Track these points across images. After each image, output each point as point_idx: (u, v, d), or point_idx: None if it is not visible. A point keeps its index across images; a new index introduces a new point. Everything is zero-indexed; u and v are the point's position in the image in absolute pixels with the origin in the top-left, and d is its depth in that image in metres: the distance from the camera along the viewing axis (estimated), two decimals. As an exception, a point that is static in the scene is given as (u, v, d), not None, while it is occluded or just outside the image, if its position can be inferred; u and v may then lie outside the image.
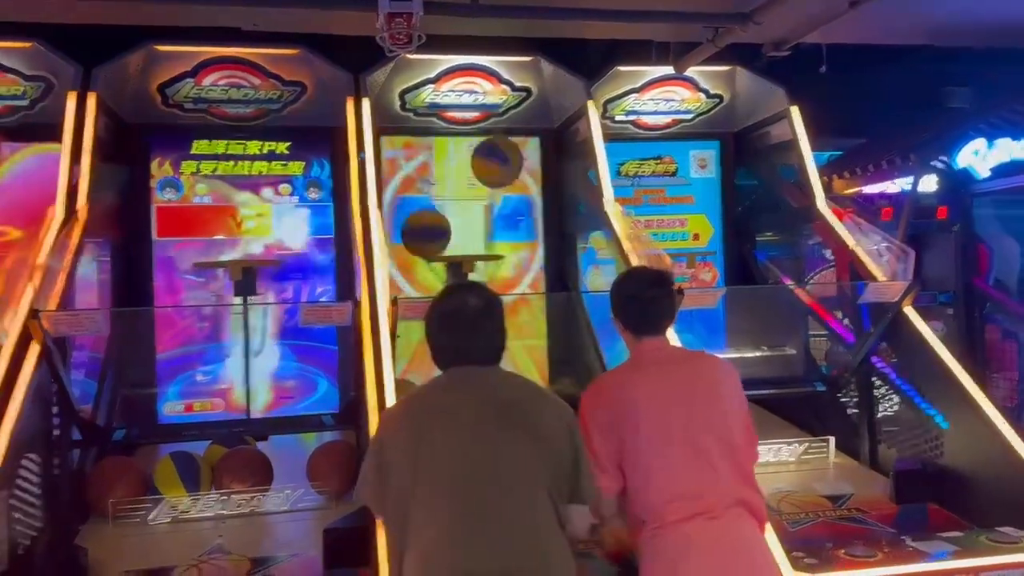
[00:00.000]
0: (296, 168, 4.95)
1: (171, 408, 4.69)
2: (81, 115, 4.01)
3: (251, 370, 4.18)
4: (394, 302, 3.38)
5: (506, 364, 2.34)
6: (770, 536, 2.83)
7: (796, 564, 2.87)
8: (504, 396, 2.24)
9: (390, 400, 3.20)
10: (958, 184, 5.38)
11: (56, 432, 3.38)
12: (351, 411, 3.90)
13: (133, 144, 4.71)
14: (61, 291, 3.37)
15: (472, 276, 4.58)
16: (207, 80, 4.53)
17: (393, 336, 3.41)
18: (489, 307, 2.26)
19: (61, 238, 3.52)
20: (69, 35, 4.26)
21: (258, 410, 4.42)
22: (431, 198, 5.16)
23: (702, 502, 2.36)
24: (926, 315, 4.36)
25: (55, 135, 4.20)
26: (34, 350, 3.14)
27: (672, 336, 3.10)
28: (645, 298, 2.64)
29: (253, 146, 4.89)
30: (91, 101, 4.06)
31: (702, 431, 2.46)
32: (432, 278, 4.98)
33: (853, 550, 3.02)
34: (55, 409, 3.38)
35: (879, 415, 4.28)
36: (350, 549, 2.96)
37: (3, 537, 2.76)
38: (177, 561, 3.09)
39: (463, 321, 2.22)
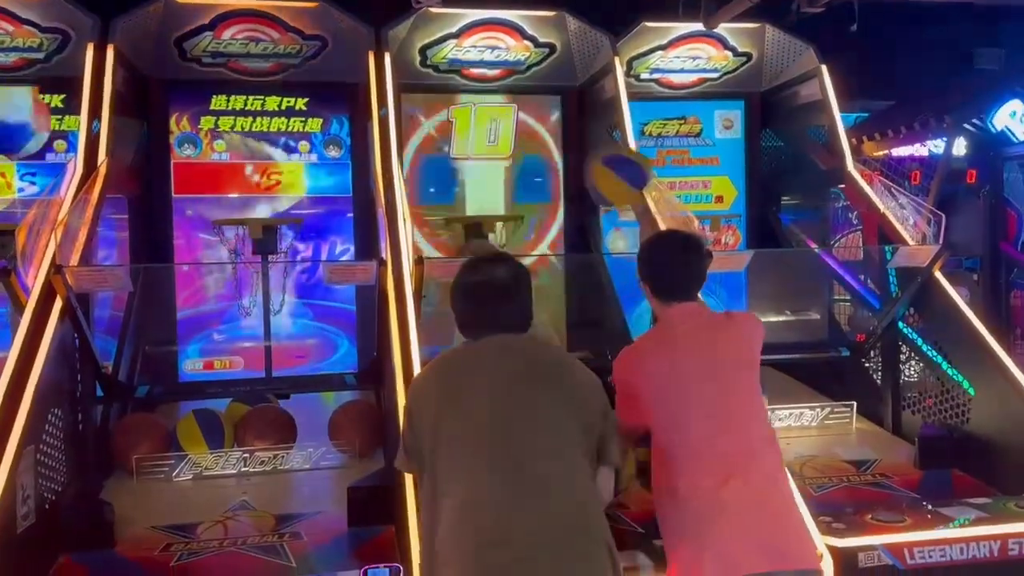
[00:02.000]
0: (315, 125, 4.89)
1: (192, 365, 4.70)
2: (100, 67, 3.96)
3: (271, 329, 4.15)
4: (419, 261, 3.34)
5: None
6: (800, 501, 2.82)
7: (824, 529, 2.85)
8: (535, 358, 2.23)
9: (415, 360, 3.17)
10: (989, 147, 5.27)
11: (79, 388, 3.37)
12: (372, 370, 3.88)
13: (152, 99, 4.66)
14: (83, 246, 3.34)
15: (491, 236, 4.53)
16: (226, 34, 4.46)
17: (418, 296, 3.38)
18: (517, 279, 2.24)
19: (82, 193, 3.48)
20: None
21: (279, 369, 4.41)
22: (450, 158, 5.09)
23: (732, 468, 2.33)
24: (952, 280, 4.30)
25: (71, 87, 4.16)
26: (57, 306, 3.12)
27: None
28: (677, 263, 2.58)
29: (272, 102, 4.83)
30: (110, 53, 4.00)
31: (730, 397, 2.43)
32: (450, 239, 4.92)
33: (879, 515, 3.00)
34: (78, 365, 3.37)
35: (903, 381, 4.24)
36: (374, 507, 2.97)
37: (31, 492, 2.77)
38: (202, 517, 3.09)
39: (491, 293, 2.21)
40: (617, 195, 3.76)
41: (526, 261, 4.58)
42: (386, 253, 3.49)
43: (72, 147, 4.40)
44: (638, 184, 3.65)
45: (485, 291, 2.21)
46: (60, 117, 4.57)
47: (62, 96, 4.51)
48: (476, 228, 4.51)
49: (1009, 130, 5.09)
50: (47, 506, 2.92)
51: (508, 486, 2.01)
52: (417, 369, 3.12)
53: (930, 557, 2.82)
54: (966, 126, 5.13)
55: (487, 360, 2.18)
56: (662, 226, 3.78)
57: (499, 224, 4.65)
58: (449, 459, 2.06)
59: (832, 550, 2.76)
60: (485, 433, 2.06)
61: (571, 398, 2.16)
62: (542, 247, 5.23)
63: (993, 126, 5.06)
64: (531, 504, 2.00)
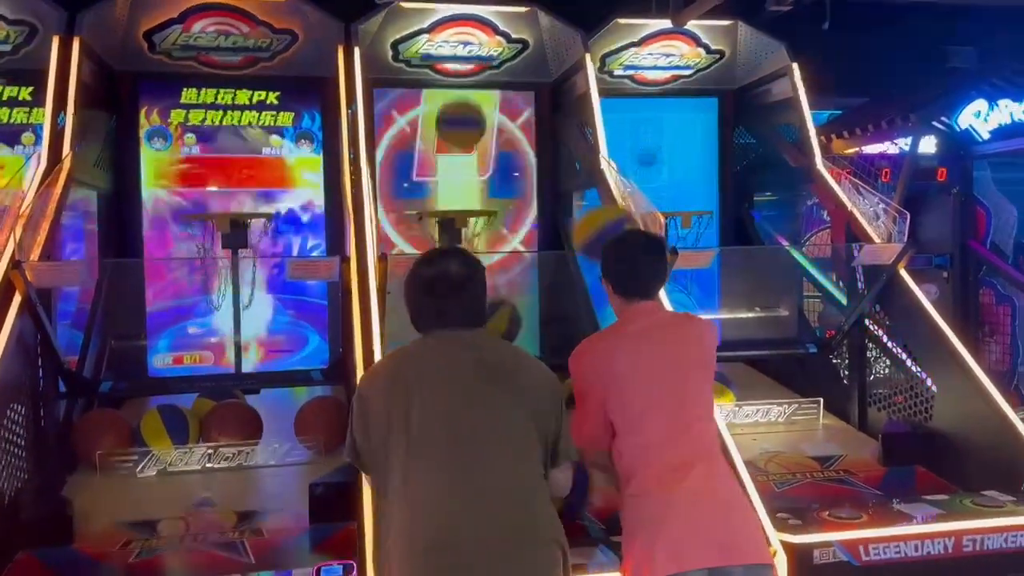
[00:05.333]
0: (286, 119, 4.88)
1: (160, 361, 4.68)
2: (66, 60, 3.92)
3: (241, 324, 4.14)
4: (382, 258, 3.34)
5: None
6: (755, 496, 2.85)
7: (780, 525, 2.87)
8: (489, 357, 2.21)
9: (377, 356, 3.17)
10: (958, 146, 5.31)
11: (41, 384, 3.35)
12: (340, 367, 3.87)
13: (121, 92, 4.64)
14: (44, 241, 3.31)
15: (465, 231, 4.53)
16: (196, 27, 4.43)
17: (382, 292, 3.37)
18: (471, 273, 2.22)
19: (44, 187, 3.45)
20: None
21: (248, 364, 4.40)
22: (421, 154, 5.10)
23: (684, 468, 2.35)
24: (921, 278, 4.34)
25: (37, 80, 4.13)
26: (16, 301, 3.10)
27: (663, 298, 3.07)
28: (637, 262, 2.59)
29: (242, 96, 4.81)
30: (76, 46, 3.96)
31: (686, 395, 2.45)
32: (424, 234, 4.92)
33: (838, 511, 3.02)
34: (39, 361, 3.35)
35: (870, 378, 4.28)
36: (336, 503, 2.96)
37: (-12, 487, 2.75)
38: (164, 513, 3.09)
39: (445, 287, 2.18)
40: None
41: (497, 256, 4.60)
42: (350, 249, 3.48)
43: (40, 140, 4.36)
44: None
45: (439, 284, 2.18)
46: (28, 110, 4.53)
47: (30, 88, 4.47)
48: (449, 224, 4.51)
49: (973, 129, 5.13)
50: (6, 501, 2.91)
51: (457, 487, 2.01)
52: (379, 366, 3.11)
53: (885, 554, 2.85)
54: (935, 124, 5.17)
55: (440, 357, 2.17)
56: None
57: (472, 219, 4.66)
58: (401, 458, 2.05)
59: (787, 546, 2.79)
60: (437, 433, 2.06)
61: (524, 397, 2.15)
62: (515, 242, 5.24)
63: (958, 125, 5.10)
64: (480, 507, 2.00)
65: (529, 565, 2.01)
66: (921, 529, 2.92)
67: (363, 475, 2.66)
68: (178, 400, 3.80)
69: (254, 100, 4.81)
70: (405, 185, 5.12)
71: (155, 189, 4.73)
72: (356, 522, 2.84)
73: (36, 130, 4.47)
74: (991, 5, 5.26)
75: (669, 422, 2.39)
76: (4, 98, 4.52)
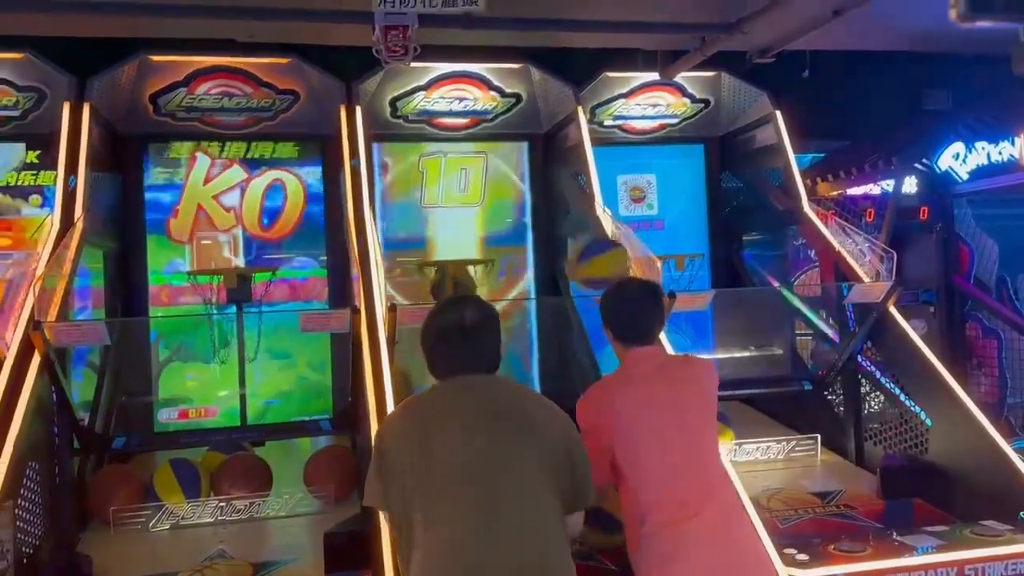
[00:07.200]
0: (288, 176, 5.00)
1: (167, 415, 4.72)
2: (76, 125, 4.05)
3: (247, 376, 4.20)
4: (392, 308, 3.43)
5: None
6: (763, 533, 2.92)
7: (788, 560, 2.94)
8: (505, 401, 2.28)
9: (390, 405, 3.24)
10: (939, 185, 5.50)
11: (57, 441, 3.40)
12: (347, 416, 3.94)
13: (126, 153, 4.75)
14: (60, 301, 3.39)
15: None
16: (200, 89, 4.57)
17: (392, 342, 3.46)
18: (486, 320, 2.30)
19: (60, 248, 3.54)
20: (62, 46, 4.29)
21: (254, 416, 4.45)
22: (420, 206, 5.21)
23: (694, 505, 2.42)
24: (908, 313, 4.45)
25: (44, 144, 4.25)
26: (36, 361, 3.17)
27: (663, 341, 3.17)
28: (635, 309, 2.69)
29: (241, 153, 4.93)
30: (86, 111, 4.09)
31: (689, 437, 2.53)
32: (422, 284, 5.00)
33: (842, 545, 3.10)
34: (55, 419, 3.40)
35: (865, 413, 4.37)
36: (351, 552, 3.00)
37: (10, 547, 2.79)
38: (180, 567, 3.12)
39: (461, 334, 2.26)
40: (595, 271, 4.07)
41: (498, 305, 4.69)
42: (359, 301, 3.57)
43: (47, 202, 4.47)
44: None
45: (454, 333, 2.26)
46: (36, 172, 4.64)
47: (37, 152, 4.60)
48: (445, 272, 4.59)
49: (952, 170, 5.33)
50: (25, 560, 2.94)
51: (479, 531, 2.07)
52: (391, 415, 3.19)
53: (890, 585, 2.92)
54: (916, 166, 5.36)
55: (457, 402, 2.24)
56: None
57: (471, 267, 4.76)
58: (420, 503, 2.11)
59: (795, 581, 2.85)
60: (454, 477, 2.12)
61: (539, 439, 2.21)
62: (514, 290, 5.34)
63: (938, 167, 5.29)
64: (500, 549, 2.06)
65: None
66: (924, 560, 3.00)
67: (378, 522, 2.73)
68: (186, 455, 3.85)
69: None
70: (402, 236, 5.23)
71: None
72: (372, 570, 2.89)
73: (45, 192, 4.59)
74: (964, 52, 5.48)
75: (676, 461, 2.47)
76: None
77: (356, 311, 3.45)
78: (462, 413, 2.21)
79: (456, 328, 2.26)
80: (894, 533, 3.29)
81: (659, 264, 3.92)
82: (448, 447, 2.15)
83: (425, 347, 2.32)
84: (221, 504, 3.56)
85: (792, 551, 3.03)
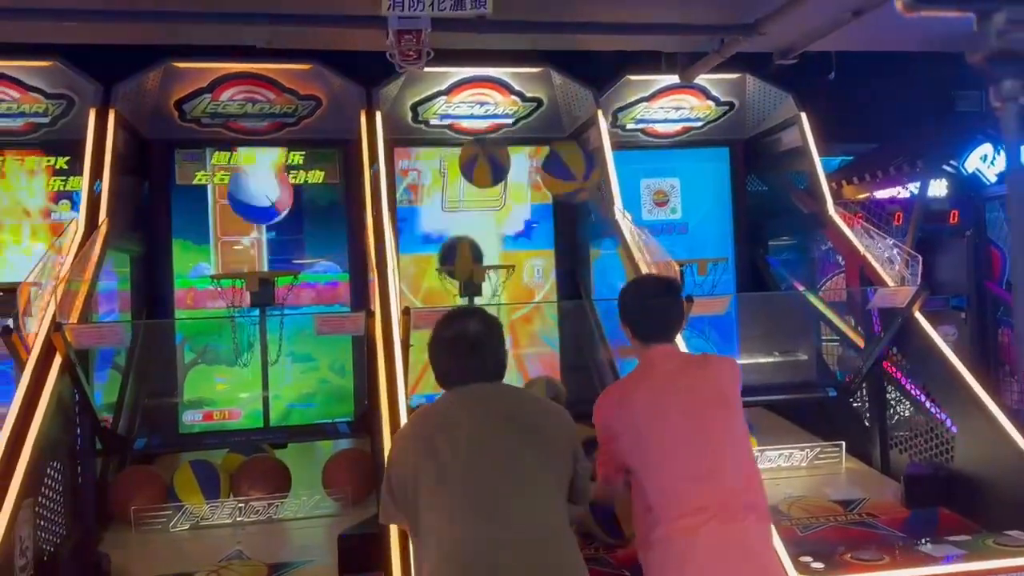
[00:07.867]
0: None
1: (191, 417, 4.78)
2: (102, 131, 4.13)
3: (268, 379, 4.24)
4: (406, 312, 3.44)
5: (517, 373, 2.40)
6: (778, 541, 2.87)
7: (803, 569, 2.90)
8: (510, 407, 2.33)
9: (402, 408, 3.26)
10: (970, 188, 5.39)
11: (79, 442, 3.46)
12: (366, 419, 3.96)
13: (152, 158, 4.83)
14: (83, 303, 3.46)
15: (485, 285, 4.62)
16: (224, 95, 4.64)
17: (406, 346, 3.47)
18: (490, 331, 2.36)
19: (83, 250, 3.61)
20: (89, 54, 4.37)
21: (277, 418, 4.49)
22: (442, 209, 5.23)
23: (711, 508, 2.38)
24: (939, 319, 4.37)
25: (74, 150, 4.33)
26: (57, 362, 3.23)
27: (680, 342, 3.14)
28: (653, 306, 2.67)
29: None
30: (111, 117, 4.17)
31: (709, 437, 2.49)
32: (439, 288, 5.00)
33: (860, 554, 3.04)
34: (77, 419, 3.46)
35: (891, 420, 4.30)
36: (364, 554, 3.03)
37: (30, 544, 2.84)
38: (198, 567, 3.17)
39: (465, 346, 2.32)
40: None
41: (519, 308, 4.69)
42: (374, 304, 3.59)
43: (75, 207, 4.56)
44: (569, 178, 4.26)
45: (459, 344, 2.32)
46: (64, 178, 4.75)
47: (66, 158, 4.70)
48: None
49: (980, 172, 5.21)
50: (45, 558, 2.99)
51: (490, 535, 2.10)
52: (404, 417, 3.21)
53: (909, 595, 2.86)
54: (945, 168, 5.26)
55: (463, 411, 2.28)
56: (644, 271, 3.90)
57: (491, 272, 4.76)
58: (432, 510, 2.15)
59: (810, 590, 2.81)
60: (464, 483, 2.15)
61: (544, 445, 2.25)
62: (538, 294, 5.33)
63: (965, 169, 5.18)
64: (510, 553, 2.08)
65: None
66: (946, 569, 2.94)
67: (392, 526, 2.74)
68: (208, 456, 3.90)
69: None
70: (423, 240, 5.26)
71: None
72: (384, 572, 2.91)
73: (72, 197, 4.68)
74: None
75: (692, 464, 2.43)
76: (43, 167, 4.73)
77: (371, 314, 3.47)
78: (469, 419, 2.26)
79: (460, 340, 2.32)
80: (917, 542, 3.23)
81: (677, 268, 3.89)
82: (457, 455, 2.19)
83: (432, 359, 2.38)
84: (240, 505, 3.60)
85: (807, 559, 2.98)
